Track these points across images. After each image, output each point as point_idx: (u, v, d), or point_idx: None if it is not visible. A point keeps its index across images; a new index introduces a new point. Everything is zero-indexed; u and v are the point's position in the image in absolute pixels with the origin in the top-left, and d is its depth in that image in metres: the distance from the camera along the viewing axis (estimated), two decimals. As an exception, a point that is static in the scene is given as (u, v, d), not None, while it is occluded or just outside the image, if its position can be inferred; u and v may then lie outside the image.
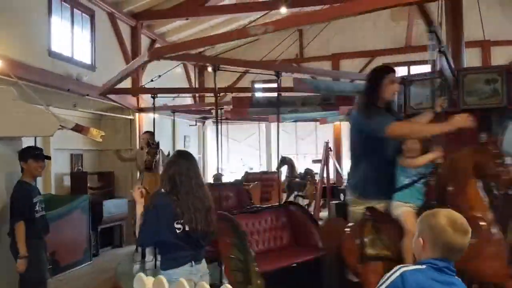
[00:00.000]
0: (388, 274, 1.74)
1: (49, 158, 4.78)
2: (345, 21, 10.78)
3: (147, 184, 7.01)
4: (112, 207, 8.96)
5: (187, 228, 2.90)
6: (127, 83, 9.04)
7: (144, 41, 10.78)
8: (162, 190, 3.06)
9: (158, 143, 7.76)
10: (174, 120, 10.37)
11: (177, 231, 2.89)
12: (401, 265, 1.78)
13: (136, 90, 9.36)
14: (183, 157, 3.13)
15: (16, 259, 4.21)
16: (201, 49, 11.62)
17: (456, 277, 1.79)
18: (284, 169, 11.37)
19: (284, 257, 4.74)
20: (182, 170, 3.00)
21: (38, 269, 4.36)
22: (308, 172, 11.22)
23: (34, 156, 4.44)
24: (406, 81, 5.88)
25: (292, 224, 5.23)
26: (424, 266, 1.75)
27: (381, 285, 1.73)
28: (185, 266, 2.92)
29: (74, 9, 8.39)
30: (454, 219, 1.79)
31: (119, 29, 9.70)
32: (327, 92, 6.66)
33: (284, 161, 10.91)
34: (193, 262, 2.96)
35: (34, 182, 4.58)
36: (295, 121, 11.02)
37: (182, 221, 2.90)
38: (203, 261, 3.10)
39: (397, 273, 1.72)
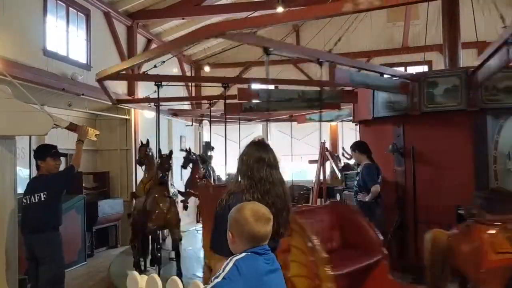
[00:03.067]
0: (223, 266, 1.84)
1: (65, 155, 4.79)
2: (341, 22, 10.79)
3: None
4: (107, 207, 8.94)
5: None
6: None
7: (140, 41, 10.75)
8: (238, 187, 2.60)
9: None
10: (158, 115, 10.01)
11: None
12: (233, 255, 1.88)
13: (138, 77, 9.15)
14: (260, 147, 2.59)
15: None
16: (191, 47, 11.55)
17: (271, 253, 1.95)
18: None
19: (346, 260, 4.18)
20: (259, 163, 2.50)
21: (63, 262, 4.50)
22: None
23: (52, 154, 4.57)
24: (421, 79, 5.86)
25: (342, 225, 4.72)
26: (249, 253, 1.88)
27: (217, 276, 1.80)
28: None
29: (70, 8, 8.34)
30: (256, 210, 1.91)
31: (115, 28, 9.66)
32: (362, 85, 6.60)
33: None
34: None
35: None
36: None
37: None
38: None
39: (231, 263, 1.83)
